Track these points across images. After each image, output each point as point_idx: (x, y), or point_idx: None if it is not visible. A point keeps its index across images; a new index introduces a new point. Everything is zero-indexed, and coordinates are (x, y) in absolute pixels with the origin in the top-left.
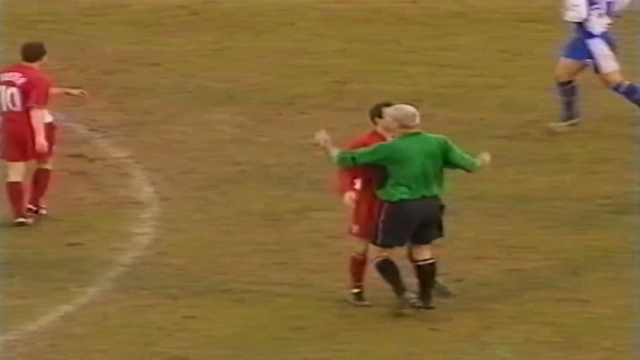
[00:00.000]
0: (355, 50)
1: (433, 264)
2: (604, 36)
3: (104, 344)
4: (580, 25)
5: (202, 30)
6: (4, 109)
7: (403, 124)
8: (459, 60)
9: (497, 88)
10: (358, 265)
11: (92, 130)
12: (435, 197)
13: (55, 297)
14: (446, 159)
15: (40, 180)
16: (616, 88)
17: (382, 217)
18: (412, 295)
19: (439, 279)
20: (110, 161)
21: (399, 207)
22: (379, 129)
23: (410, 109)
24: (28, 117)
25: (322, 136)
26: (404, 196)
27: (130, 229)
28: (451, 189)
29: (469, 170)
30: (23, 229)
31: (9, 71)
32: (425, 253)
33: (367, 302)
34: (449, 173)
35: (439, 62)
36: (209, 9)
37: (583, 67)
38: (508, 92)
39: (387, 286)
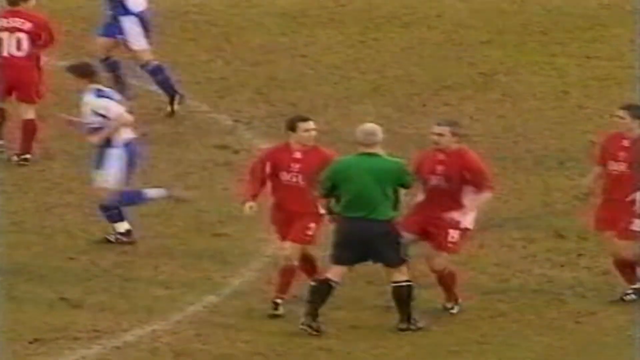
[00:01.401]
0: (502, 42)
1: (405, 286)
2: (141, 14)
3: (248, 335)
4: (117, 2)
5: (348, 22)
6: (5, 54)
7: (358, 142)
8: (608, 52)
9: None
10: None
11: (236, 121)
12: (377, 221)
13: (200, 287)
14: (402, 184)
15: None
16: (143, 66)
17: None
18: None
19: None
20: (255, 152)
21: (339, 224)
22: (292, 142)
23: (367, 128)
24: (32, 61)
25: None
26: (343, 213)
27: None
28: None
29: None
30: (168, 220)
31: (4, 17)
32: (394, 275)
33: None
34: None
35: (587, 54)
36: (355, 0)
37: (117, 44)
38: None
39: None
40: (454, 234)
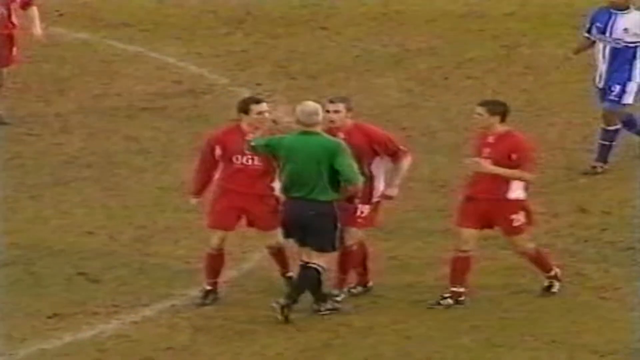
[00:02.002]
0: (525, 14)
1: (311, 269)
2: None
3: (268, 310)
4: None
5: None
6: None
7: (298, 120)
8: None
9: None
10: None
11: (257, 94)
12: (314, 201)
13: None
14: (332, 164)
15: None
16: None
17: None
18: (325, 302)
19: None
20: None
21: (283, 204)
22: (244, 124)
23: (309, 107)
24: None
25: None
26: (285, 194)
27: None
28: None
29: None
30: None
31: None
32: (312, 256)
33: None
34: None
35: None
36: None
37: None
38: None
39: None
40: (363, 209)
